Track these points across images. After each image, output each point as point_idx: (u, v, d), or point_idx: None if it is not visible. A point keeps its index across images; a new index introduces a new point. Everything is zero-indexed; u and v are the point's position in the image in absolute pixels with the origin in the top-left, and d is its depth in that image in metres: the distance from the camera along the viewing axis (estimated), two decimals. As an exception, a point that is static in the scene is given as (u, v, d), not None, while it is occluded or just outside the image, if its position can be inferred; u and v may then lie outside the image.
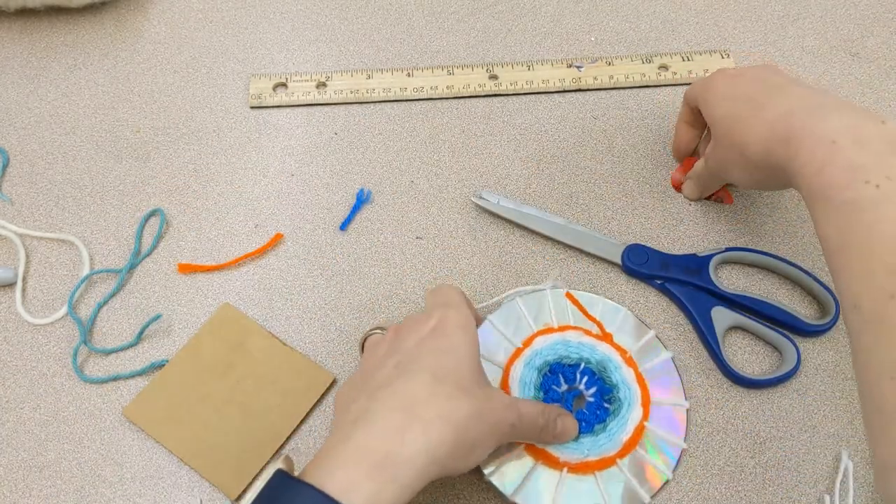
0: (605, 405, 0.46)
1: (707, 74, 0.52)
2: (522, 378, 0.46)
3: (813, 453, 0.46)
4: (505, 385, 0.46)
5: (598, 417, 0.45)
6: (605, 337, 0.48)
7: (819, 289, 0.50)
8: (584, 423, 0.45)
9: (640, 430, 0.45)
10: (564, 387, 0.46)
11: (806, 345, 0.50)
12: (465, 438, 0.35)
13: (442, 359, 0.38)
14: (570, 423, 0.44)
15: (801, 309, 0.51)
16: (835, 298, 0.50)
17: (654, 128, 0.58)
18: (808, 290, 0.51)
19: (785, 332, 0.49)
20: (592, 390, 0.46)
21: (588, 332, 0.48)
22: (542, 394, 0.46)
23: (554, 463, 0.44)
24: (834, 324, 0.49)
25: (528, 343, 0.48)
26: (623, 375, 0.47)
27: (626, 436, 0.45)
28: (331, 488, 0.32)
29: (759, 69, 0.47)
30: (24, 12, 0.63)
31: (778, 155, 0.41)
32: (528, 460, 0.44)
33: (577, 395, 0.46)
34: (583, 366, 0.47)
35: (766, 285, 0.52)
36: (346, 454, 0.33)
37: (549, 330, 0.48)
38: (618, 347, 0.48)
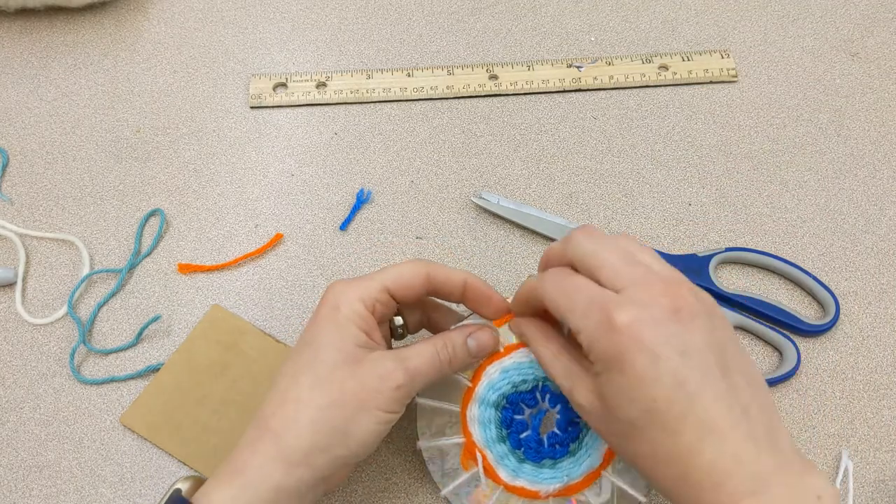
0: (576, 420, 0.42)
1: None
2: (481, 419, 0.42)
3: (813, 453, 0.46)
4: (465, 429, 0.42)
5: (571, 435, 0.42)
6: None
7: (819, 289, 0.50)
8: (558, 447, 0.42)
9: None
10: (527, 412, 0.43)
11: (806, 345, 0.50)
12: (325, 429, 0.36)
13: (303, 354, 0.38)
14: (483, 335, 0.41)
15: (801, 309, 0.51)
16: (835, 298, 0.50)
17: (654, 128, 0.58)
18: (808, 290, 0.51)
19: (785, 332, 0.49)
20: (557, 408, 0.43)
21: None
22: (505, 430, 0.43)
23: (535, 497, 0.42)
24: (834, 324, 0.49)
25: (477, 378, 0.43)
26: None
27: (606, 444, 0.41)
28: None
29: (711, 324, 0.33)
30: (24, 12, 0.63)
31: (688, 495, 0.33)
32: (512, 500, 0.42)
33: (545, 415, 0.43)
34: (541, 385, 0.43)
35: (766, 285, 0.52)
36: (217, 474, 0.37)
37: (497, 356, 0.43)
38: None
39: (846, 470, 0.45)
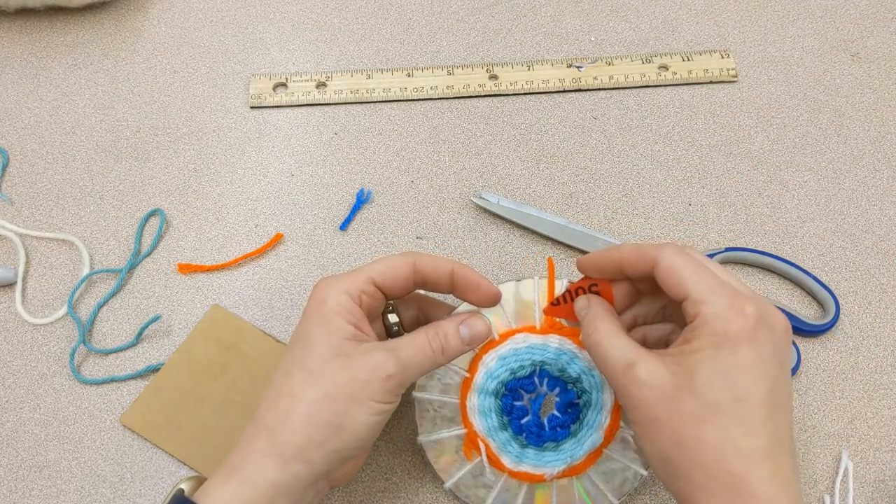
0: (575, 401, 0.43)
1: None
2: (481, 408, 0.42)
3: (813, 453, 0.46)
4: (465, 420, 0.43)
5: (572, 416, 0.43)
6: (553, 328, 0.43)
7: (819, 289, 0.50)
8: (559, 429, 0.43)
9: (618, 409, 0.42)
10: (526, 397, 0.44)
11: (806, 345, 0.50)
12: (319, 423, 0.36)
13: (294, 350, 0.38)
14: (475, 322, 0.41)
15: (801, 309, 0.51)
16: (835, 298, 0.50)
17: (654, 128, 0.58)
18: (808, 290, 0.51)
19: (785, 332, 0.49)
20: (556, 391, 0.43)
21: (533, 329, 0.43)
22: (505, 417, 0.43)
23: (540, 480, 0.42)
24: (834, 324, 0.49)
25: (473, 368, 0.43)
26: (581, 364, 0.43)
27: (606, 422, 0.42)
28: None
29: (778, 358, 0.34)
30: (24, 12, 0.63)
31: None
32: (517, 486, 0.42)
33: (544, 399, 0.43)
34: (538, 369, 0.43)
35: (766, 285, 0.52)
36: (217, 472, 0.37)
37: (492, 344, 0.43)
38: (569, 333, 0.43)
39: (846, 470, 0.45)
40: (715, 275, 0.35)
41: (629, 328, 0.41)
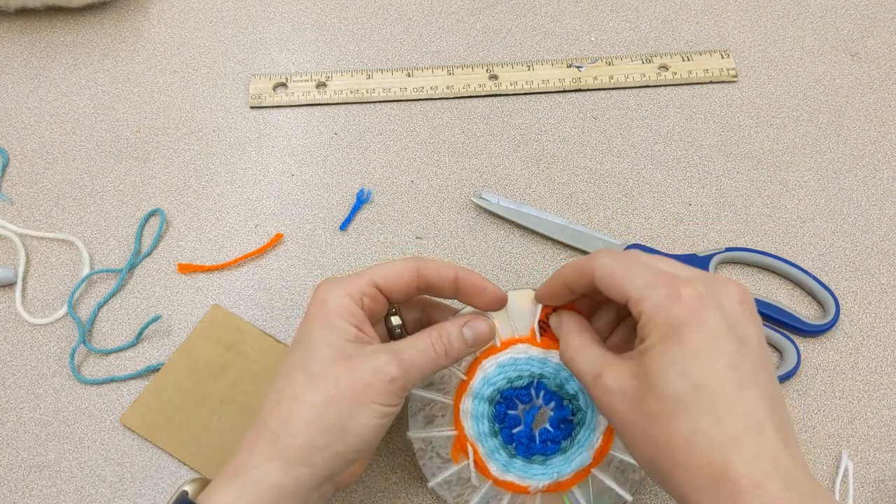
0: (569, 418, 0.43)
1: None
2: (474, 413, 0.42)
3: (813, 453, 0.46)
4: (457, 422, 0.42)
5: (564, 432, 0.42)
6: (555, 343, 0.42)
7: (819, 289, 0.50)
8: (549, 443, 0.42)
9: (611, 431, 0.42)
10: (521, 408, 0.43)
11: (806, 345, 0.50)
12: (322, 427, 0.36)
13: (296, 352, 0.38)
14: (479, 323, 0.40)
15: (801, 309, 0.51)
16: (835, 298, 0.50)
17: (654, 128, 0.58)
18: (808, 290, 0.51)
19: (785, 332, 0.49)
20: (551, 405, 0.43)
21: (534, 342, 0.43)
22: (497, 424, 0.42)
23: (524, 492, 0.42)
24: (834, 324, 0.49)
25: (472, 371, 0.42)
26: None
27: (597, 443, 0.41)
28: None
29: (760, 329, 0.34)
30: (24, 12, 0.63)
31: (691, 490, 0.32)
32: (500, 493, 0.42)
33: (538, 411, 0.43)
34: (536, 382, 0.43)
35: (766, 285, 0.52)
36: (219, 474, 0.37)
37: (493, 350, 0.42)
38: None
39: (846, 470, 0.45)
40: (650, 268, 0.34)
41: (615, 327, 0.41)
